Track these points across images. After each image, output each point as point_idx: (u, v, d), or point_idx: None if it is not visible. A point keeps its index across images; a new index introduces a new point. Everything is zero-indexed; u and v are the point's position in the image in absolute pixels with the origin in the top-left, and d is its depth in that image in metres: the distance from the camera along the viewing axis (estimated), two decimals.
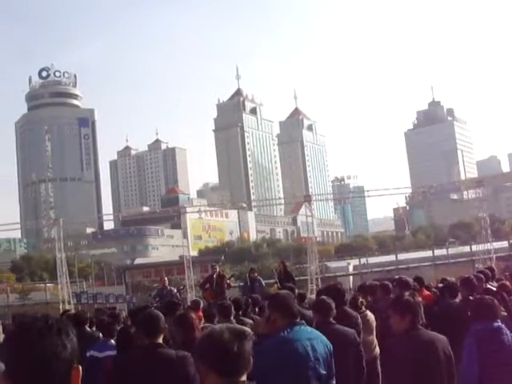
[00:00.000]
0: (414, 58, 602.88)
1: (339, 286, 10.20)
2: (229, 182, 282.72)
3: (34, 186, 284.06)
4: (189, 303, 17.69)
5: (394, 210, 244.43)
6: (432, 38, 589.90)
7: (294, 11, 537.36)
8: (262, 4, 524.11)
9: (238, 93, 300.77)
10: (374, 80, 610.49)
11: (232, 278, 25.46)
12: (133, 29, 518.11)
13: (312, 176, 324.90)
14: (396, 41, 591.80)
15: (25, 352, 2.34)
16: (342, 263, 77.12)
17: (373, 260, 71.23)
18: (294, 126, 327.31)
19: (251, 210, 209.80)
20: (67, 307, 35.21)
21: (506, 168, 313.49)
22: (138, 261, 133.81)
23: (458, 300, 10.28)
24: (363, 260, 68.61)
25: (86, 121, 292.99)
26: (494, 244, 45.16)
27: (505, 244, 61.85)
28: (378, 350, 9.60)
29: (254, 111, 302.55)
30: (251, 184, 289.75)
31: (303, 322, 6.28)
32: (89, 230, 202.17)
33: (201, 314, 11.47)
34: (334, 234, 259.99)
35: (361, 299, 10.50)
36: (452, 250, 67.36)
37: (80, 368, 2.45)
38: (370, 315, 10.23)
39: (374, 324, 10.12)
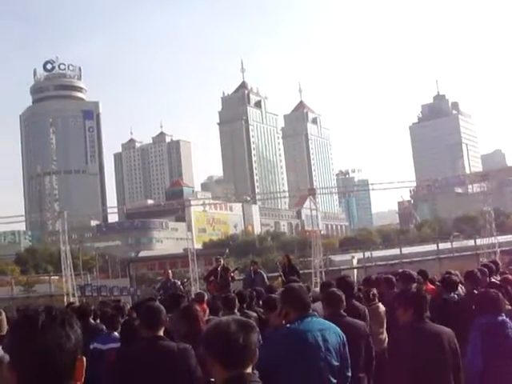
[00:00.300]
0: (419, 51, 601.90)
1: (348, 279, 10.18)
2: (233, 175, 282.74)
3: (39, 178, 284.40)
4: (193, 296, 17.71)
5: (399, 203, 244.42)
6: (437, 31, 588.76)
7: (298, 5, 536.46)
8: None
9: (243, 86, 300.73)
10: (379, 73, 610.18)
11: (236, 271, 25.50)
12: (137, 23, 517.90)
13: (316, 169, 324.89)
14: (401, 34, 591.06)
15: (29, 343, 2.34)
16: (346, 257, 77.00)
17: (377, 253, 71.25)
18: (298, 120, 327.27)
19: (255, 203, 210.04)
20: (71, 300, 35.28)
21: (510, 162, 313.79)
22: (143, 253, 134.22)
23: (455, 294, 10.28)
24: (367, 253, 68.58)
25: (91, 113, 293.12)
26: (499, 238, 45.05)
27: (509, 238, 61.67)
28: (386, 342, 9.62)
29: (258, 104, 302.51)
30: (255, 177, 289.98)
31: (315, 313, 6.29)
32: (93, 223, 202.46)
33: (205, 306, 11.47)
34: (339, 227, 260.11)
35: (373, 292, 10.49)
36: (456, 244, 67.24)
37: (84, 359, 2.44)
38: (382, 308, 10.22)
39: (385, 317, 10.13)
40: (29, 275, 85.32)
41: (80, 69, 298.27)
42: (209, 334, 3.63)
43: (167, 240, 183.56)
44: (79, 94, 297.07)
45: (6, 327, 5.96)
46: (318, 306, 9.27)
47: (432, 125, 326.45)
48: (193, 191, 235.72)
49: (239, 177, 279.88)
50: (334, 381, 5.92)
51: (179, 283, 23.96)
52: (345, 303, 7.79)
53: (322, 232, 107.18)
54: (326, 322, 6.29)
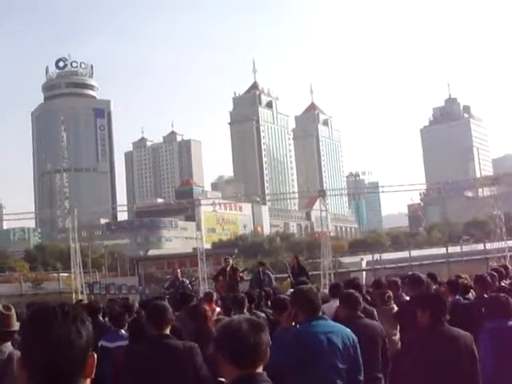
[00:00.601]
0: (431, 54, 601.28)
1: (356, 281, 10.21)
2: (243, 175, 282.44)
3: (49, 175, 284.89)
4: (201, 295, 17.73)
5: (409, 206, 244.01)
6: (450, 35, 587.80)
7: (312, 6, 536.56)
8: None
9: (255, 86, 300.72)
10: (391, 76, 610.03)
11: (245, 272, 25.51)
12: (150, 21, 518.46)
13: (327, 171, 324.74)
14: (414, 37, 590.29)
15: (41, 339, 2.33)
16: (356, 259, 76.94)
17: (386, 256, 71.04)
18: (309, 121, 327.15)
19: (265, 203, 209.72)
20: (80, 297, 35.33)
21: None
22: (152, 252, 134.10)
23: (465, 298, 10.26)
24: (376, 256, 68.43)
25: (102, 112, 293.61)
26: (509, 242, 44.84)
27: None
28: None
29: (269, 105, 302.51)
30: (266, 178, 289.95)
31: (325, 316, 6.28)
32: (103, 221, 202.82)
33: (214, 305, 11.49)
34: (348, 229, 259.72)
35: (388, 294, 10.46)
36: (466, 248, 66.98)
37: (95, 356, 2.43)
38: (396, 309, 10.20)
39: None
40: (38, 272, 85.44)
41: (92, 67, 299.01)
42: (220, 333, 3.65)
43: (176, 239, 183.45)
44: (91, 92, 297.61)
45: (15, 323, 5.97)
46: (327, 307, 9.27)
47: (443, 128, 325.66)
48: (203, 191, 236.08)
49: (249, 177, 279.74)
50: (340, 383, 5.93)
51: (187, 282, 24.03)
52: (362, 305, 7.81)
53: (332, 234, 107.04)
54: (337, 325, 6.32)
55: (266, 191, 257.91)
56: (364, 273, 62.95)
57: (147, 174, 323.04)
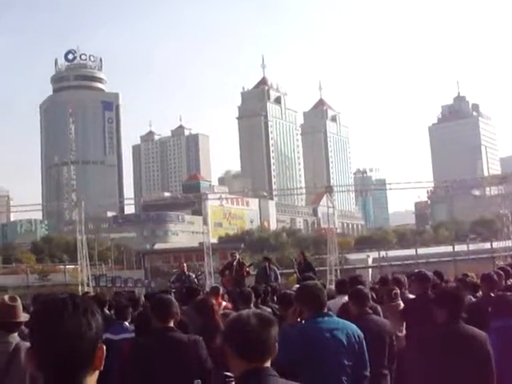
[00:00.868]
0: (440, 52, 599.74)
1: (360, 278, 10.22)
2: (251, 170, 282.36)
3: (57, 168, 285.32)
4: (207, 289, 17.73)
5: (416, 204, 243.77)
6: (460, 32, 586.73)
7: (321, 2, 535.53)
8: None
9: (263, 81, 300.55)
10: (400, 73, 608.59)
11: (251, 266, 25.51)
12: (159, 14, 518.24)
13: (334, 167, 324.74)
14: (423, 34, 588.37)
15: (51, 330, 2.33)
16: (362, 255, 76.79)
17: (392, 253, 70.98)
18: (317, 117, 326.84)
19: (272, 199, 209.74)
20: (86, 290, 35.41)
21: None
22: (158, 246, 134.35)
23: (474, 296, 10.25)
24: (383, 253, 68.39)
25: (111, 105, 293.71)
26: None
27: None
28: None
29: (278, 100, 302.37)
30: (273, 173, 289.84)
31: (330, 313, 6.28)
32: (109, 214, 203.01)
33: (220, 300, 11.50)
34: (355, 225, 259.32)
35: (395, 290, 10.44)
36: (472, 247, 66.90)
37: (104, 348, 2.44)
38: (402, 306, 10.19)
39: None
40: (44, 264, 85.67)
41: (101, 59, 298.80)
42: (229, 326, 3.68)
43: (183, 233, 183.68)
44: (99, 85, 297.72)
45: (21, 314, 5.98)
46: (333, 303, 9.28)
47: (452, 126, 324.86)
48: (210, 185, 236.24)
49: (257, 172, 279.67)
50: (345, 379, 5.93)
51: (194, 276, 24.04)
52: (370, 301, 7.82)
53: (338, 230, 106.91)
54: (339, 321, 6.31)
55: (273, 186, 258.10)
56: (370, 270, 62.98)
57: (154, 168, 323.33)
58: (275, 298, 12.25)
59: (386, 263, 61.29)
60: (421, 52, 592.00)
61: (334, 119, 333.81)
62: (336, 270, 41.29)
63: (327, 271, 41.48)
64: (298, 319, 6.69)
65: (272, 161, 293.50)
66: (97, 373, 2.43)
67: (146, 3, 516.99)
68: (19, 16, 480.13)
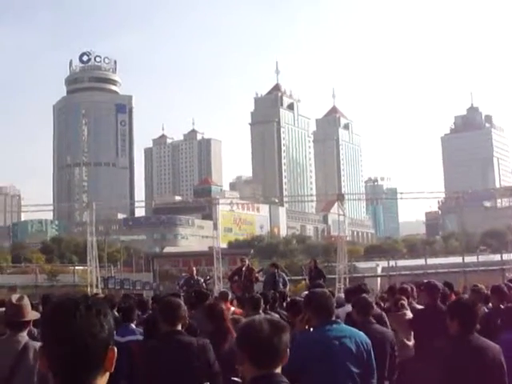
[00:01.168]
0: (454, 62, 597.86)
1: (364, 287, 10.25)
2: (262, 176, 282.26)
3: (69, 169, 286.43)
4: (216, 294, 17.71)
5: (427, 214, 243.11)
6: (474, 44, 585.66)
7: (335, 11, 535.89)
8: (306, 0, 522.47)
9: (277, 88, 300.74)
10: (414, 83, 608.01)
11: (261, 272, 25.46)
12: (174, 18, 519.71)
13: (345, 175, 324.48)
14: (438, 45, 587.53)
15: (64, 330, 2.33)
16: (371, 264, 76.68)
17: (402, 263, 70.81)
18: (330, 124, 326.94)
19: (283, 205, 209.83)
20: (95, 291, 35.46)
21: None
22: (167, 249, 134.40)
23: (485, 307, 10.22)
24: (392, 262, 68.24)
25: (124, 107, 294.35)
26: None
27: None
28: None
29: (291, 107, 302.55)
30: (284, 180, 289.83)
31: (338, 320, 6.27)
32: (120, 216, 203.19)
33: (229, 305, 11.50)
34: (365, 234, 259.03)
35: (402, 301, 10.43)
36: (482, 258, 66.71)
37: (115, 349, 2.43)
38: (409, 315, 10.16)
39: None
40: (53, 264, 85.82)
41: (115, 62, 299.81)
42: (241, 332, 3.69)
43: (192, 237, 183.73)
44: (113, 87, 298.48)
45: (29, 313, 6.01)
46: (341, 311, 9.27)
47: (464, 137, 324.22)
48: (221, 190, 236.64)
49: (268, 178, 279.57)
50: None
51: (202, 281, 23.97)
52: (374, 309, 7.82)
53: (348, 238, 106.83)
54: (348, 329, 6.30)
55: (284, 193, 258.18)
56: (379, 279, 62.87)
57: (166, 171, 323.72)
58: (284, 304, 12.24)
59: (395, 273, 61.13)
60: (435, 62, 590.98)
61: (346, 127, 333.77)
62: (345, 279, 41.21)
63: (336, 279, 41.38)
64: (307, 326, 6.69)
65: (283, 167, 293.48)
66: (107, 374, 2.42)
67: (162, 7, 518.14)
68: (34, 18, 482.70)
